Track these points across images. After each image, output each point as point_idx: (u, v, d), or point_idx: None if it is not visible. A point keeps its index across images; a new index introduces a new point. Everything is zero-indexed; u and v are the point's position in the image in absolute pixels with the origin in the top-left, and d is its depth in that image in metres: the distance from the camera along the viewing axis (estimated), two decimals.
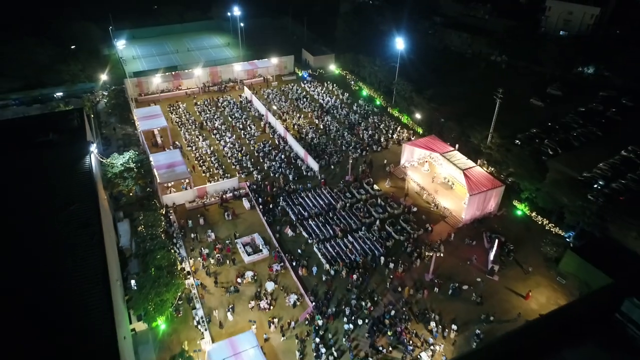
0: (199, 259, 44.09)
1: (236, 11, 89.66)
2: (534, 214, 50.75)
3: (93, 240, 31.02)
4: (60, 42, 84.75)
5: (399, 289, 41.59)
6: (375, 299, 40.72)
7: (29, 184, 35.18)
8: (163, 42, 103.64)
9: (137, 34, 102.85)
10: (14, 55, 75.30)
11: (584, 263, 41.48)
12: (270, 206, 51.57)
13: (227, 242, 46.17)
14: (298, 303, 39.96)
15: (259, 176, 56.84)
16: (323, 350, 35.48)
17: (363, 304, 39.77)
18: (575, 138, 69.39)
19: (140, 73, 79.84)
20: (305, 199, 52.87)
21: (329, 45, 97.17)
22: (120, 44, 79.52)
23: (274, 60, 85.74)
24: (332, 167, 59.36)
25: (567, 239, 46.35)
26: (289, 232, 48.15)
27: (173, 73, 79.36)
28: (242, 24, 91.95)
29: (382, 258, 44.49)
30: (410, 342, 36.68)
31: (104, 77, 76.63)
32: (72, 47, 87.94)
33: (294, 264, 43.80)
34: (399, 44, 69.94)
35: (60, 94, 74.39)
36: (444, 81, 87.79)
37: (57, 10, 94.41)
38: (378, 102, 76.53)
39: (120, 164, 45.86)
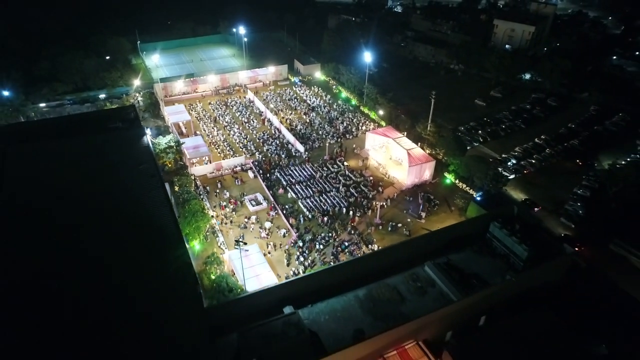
0: (218, 208, 62.02)
1: (241, 30, 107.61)
2: (457, 181, 68.76)
3: (158, 184, 48.62)
4: (99, 53, 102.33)
5: (352, 232, 59.07)
6: (338, 232, 58.51)
7: (112, 152, 52.76)
8: (179, 53, 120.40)
9: (157, 46, 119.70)
10: (67, 65, 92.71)
11: (479, 209, 59.39)
12: (268, 175, 69.48)
13: (241, 198, 64.07)
14: (286, 234, 57.80)
15: (260, 156, 74.72)
16: (302, 259, 53.34)
17: (330, 234, 57.61)
18: (503, 130, 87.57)
19: (165, 79, 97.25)
20: (294, 171, 70.73)
21: (316, 56, 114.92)
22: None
23: (271, 69, 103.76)
24: (313, 150, 77.07)
25: (477, 196, 64.22)
26: (287, 193, 65.97)
27: (191, 79, 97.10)
28: (245, 39, 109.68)
29: (345, 209, 62.36)
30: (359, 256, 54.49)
31: (137, 82, 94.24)
32: (107, 57, 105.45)
33: (283, 211, 61.64)
34: (367, 57, 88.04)
35: (103, 95, 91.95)
36: (408, 85, 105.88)
37: (94, 27, 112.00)
38: (353, 102, 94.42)
39: (165, 143, 63.51)
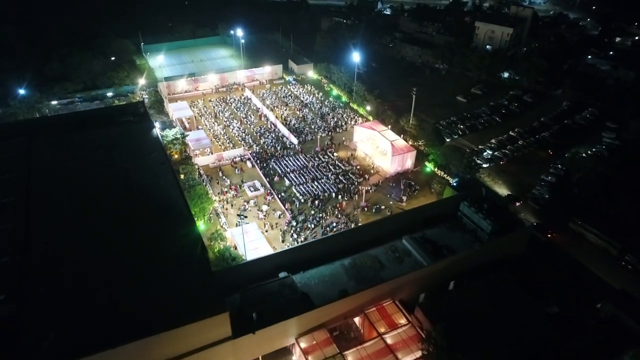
0: (220, 194, 68.02)
1: (239, 32, 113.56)
2: (436, 169, 75.07)
3: (168, 169, 54.44)
4: (105, 55, 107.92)
5: (339, 215, 65.07)
6: (328, 214, 64.66)
7: (125, 142, 58.55)
8: (180, 54, 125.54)
9: (159, 47, 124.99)
10: (76, 65, 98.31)
11: (454, 193, 65.63)
12: (265, 165, 75.56)
13: (240, 185, 70.06)
14: (282, 216, 63.90)
15: (257, 147, 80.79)
16: (295, 236, 59.47)
17: (320, 216, 63.76)
18: (481, 124, 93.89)
19: (169, 78, 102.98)
20: (288, 160, 76.83)
21: (309, 57, 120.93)
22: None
23: (267, 68, 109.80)
24: (306, 142, 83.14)
25: (453, 182, 70.45)
26: (282, 180, 72.09)
27: (193, 78, 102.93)
28: (242, 40, 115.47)
29: (334, 194, 68.52)
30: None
31: (142, 81, 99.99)
32: (112, 58, 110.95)
33: (279, 196, 67.72)
34: (356, 57, 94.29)
35: (110, 93, 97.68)
36: (395, 83, 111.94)
37: (99, 30, 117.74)
38: (343, 99, 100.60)
39: (172, 135, 69.44)
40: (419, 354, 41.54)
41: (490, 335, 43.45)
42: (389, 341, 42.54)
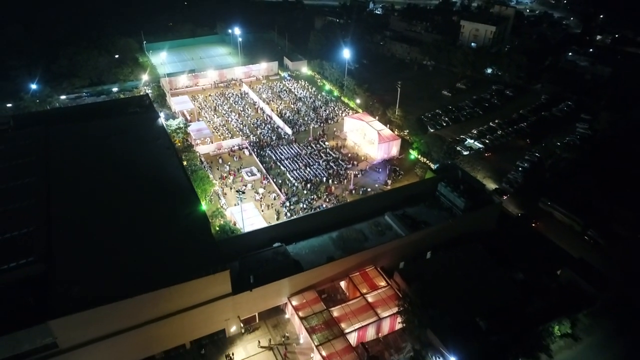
0: (220, 180, 73.17)
1: (236, 31, 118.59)
2: (419, 156, 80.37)
3: (173, 153, 59.46)
4: (109, 52, 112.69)
5: (327, 199, 70.18)
6: (319, 196, 69.89)
7: (134, 130, 63.53)
8: (180, 52, 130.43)
9: (160, 46, 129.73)
10: (83, 63, 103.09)
11: (434, 175, 70.98)
12: (261, 153, 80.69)
13: (238, 170, 75.24)
14: (276, 197, 69.10)
15: (254, 137, 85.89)
16: (289, 214, 64.67)
17: (312, 197, 68.96)
18: (464, 116, 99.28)
19: (171, 74, 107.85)
20: (283, 149, 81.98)
21: (303, 54, 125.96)
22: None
23: (264, 65, 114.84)
24: (300, 133, 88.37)
25: (435, 167, 75.71)
26: (277, 167, 77.25)
27: (193, 74, 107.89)
28: (240, 39, 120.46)
29: (325, 178, 73.74)
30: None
31: (145, 77, 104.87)
32: (116, 56, 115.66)
33: (274, 180, 72.91)
34: (346, 53, 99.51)
35: (115, 89, 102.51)
36: (385, 79, 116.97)
37: (102, 30, 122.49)
38: (335, 93, 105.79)
39: (175, 125, 74.50)
40: (395, 310, 46.74)
41: (460, 295, 48.71)
42: (370, 300, 47.81)
